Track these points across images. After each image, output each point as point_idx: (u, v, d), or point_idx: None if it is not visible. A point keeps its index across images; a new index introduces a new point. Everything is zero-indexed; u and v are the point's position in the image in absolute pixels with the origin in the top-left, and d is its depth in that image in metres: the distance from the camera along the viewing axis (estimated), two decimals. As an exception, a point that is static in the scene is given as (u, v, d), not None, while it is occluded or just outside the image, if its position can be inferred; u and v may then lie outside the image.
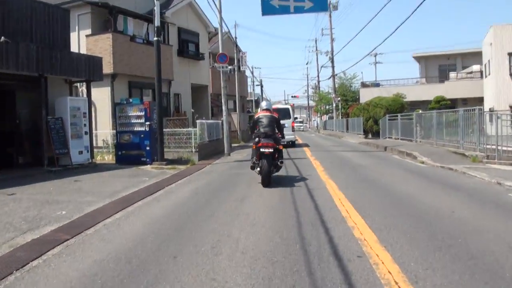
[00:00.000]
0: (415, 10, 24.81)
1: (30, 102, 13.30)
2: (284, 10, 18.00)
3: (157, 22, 14.35)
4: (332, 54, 45.04)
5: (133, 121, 14.71)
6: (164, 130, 16.88)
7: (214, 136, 20.07)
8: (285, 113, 22.71)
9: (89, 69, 14.05)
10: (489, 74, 29.97)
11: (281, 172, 11.21)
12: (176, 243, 5.04)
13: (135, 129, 14.66)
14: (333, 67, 45.58)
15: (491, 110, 22.56)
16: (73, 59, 13.55)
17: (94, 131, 18.55)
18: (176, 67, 23.48)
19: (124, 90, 19.44)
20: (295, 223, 5.72)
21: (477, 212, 6.23)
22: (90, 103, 14.46)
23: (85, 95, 18.45)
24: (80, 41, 19.10)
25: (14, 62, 11.34)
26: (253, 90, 65.63)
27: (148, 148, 14.45)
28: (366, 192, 8.03)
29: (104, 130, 18.63)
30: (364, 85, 42.33)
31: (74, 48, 18.54)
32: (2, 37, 10.78)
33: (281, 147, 9.66)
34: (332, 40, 44.96)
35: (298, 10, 17.96)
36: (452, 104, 30.42)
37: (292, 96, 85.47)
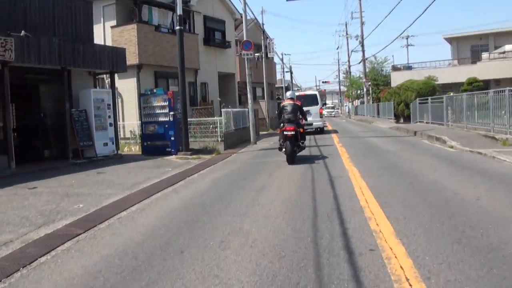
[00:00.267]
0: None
1: (54, 95, 13.46)
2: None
3: (179, 10, 14.25)
4: (362, 38, 44.07)
5: (158, 111, 14.71)
6: (189, 119, 16.89)
7: (241, 125, 19.94)
8: (312, 99, 22.35)
9: (112, 61, 14.10)
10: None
11: (305, 160, 11.06)
12: (186, 237, 4.93)
13: (160, 119, 14.66)
14: (363, 51, 44.67)
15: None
16: (96, 51, 13.60)
17: (121, 122, 18.76)
18: (203, 55, 23.38)
19: (150, 80, 19.49)
20: (311, 214, 5.51)
21: (503, 199, 5.85)
22: (114, 94, 14.55)
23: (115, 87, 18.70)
24: (106, 32, 19.21)
25: (36, 56, 11.45)
26: (283, 77, 65.21)
27: (172, 138, 14.43)
28: (389, 180, 7.73)
29: (131, 121, 18.75)
30: (395, 68, 41.24)
31: (99, 40, 18.69)
32: (23, 31, 10.88)
33: (301, 130, 11.28)
34: (362, 23, 43.98)
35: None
36: (485, 85, 29.19)
37: (322, 82, 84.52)
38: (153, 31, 19.51)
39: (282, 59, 63.39)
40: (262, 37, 31.41)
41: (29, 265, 4.32)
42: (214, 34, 25.24)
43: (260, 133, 25.63)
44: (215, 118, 16.72)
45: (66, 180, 9.99)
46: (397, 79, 36.43)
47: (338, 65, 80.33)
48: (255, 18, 32.12)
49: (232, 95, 27.83)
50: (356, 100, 59.88)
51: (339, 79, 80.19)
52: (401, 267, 3.56)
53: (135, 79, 18.78)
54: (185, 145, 14.27)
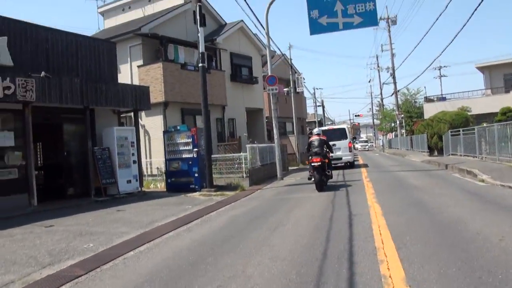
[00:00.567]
0: (471, 16, 23.44)
1: (78, 133, 13.71)
2: (333, 27, 17.51)
3: (201, 48, 14.40)
4: (393, 70, 43.69)
5: (181, 148, 14.74)
6: (214, 156, 16.85)
7: (268, 160, 19.72)
8: (340, 134, 22.03)
9: (135, 99, 14.29)
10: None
11: (328, 196, 10.77)
12: (186, 280, 4.70)
13: (184, 156, 14.67)
14: (395, 83, 44.14)
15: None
16: (119, 90, 13.84)
17: (148, 159, 18.90)
18: (230, 92, 23.55)
19: (177, 117, 19.67)
20: (320, 256, 5.19)
21: (533, 239, 5.37)
22: (137, 132, 14.68)
23: (139, 125, 18.93)
24: (133, 71, 19.67)
25: (58, 96, 11.71)
26: (316, 111, 65.16)
27: (196, 175, 14.36)
28: (411, 218, 7.30)
29: (158, 158, 18.85)
30: (427, 100, 40.40)
31: (126, 78, 19.15)
32: (43, 72, 11.18)
33: (327, 160, 12.91)
34: (393, 55, 43.67)
35: (347, 26, 17.41)
36: (520, 115, 28.11)
37: (355, 115, 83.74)
38: (179, 69, 19.82)
39: (314, 94, 63.62)
40: (290, 72, 31.49)
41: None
42: (241, 70, 25.48)
43: (290, 168, 25.34)
44: (240, 154, 16.58)
45: (83, 218, 9.97)
46: (429, 110, 35.61)
47: (371, 98, 79.52)
48: (282, 54, 32.23)
49: (260, 130, 27.79)
50: (391, 133, 58.93)
51: (372, 112, 79.33)
52: (405, 319, 3.20)
53: (161, 116, 19.00)
54: (209, 182, 14.14)
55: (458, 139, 21.53)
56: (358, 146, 69.39)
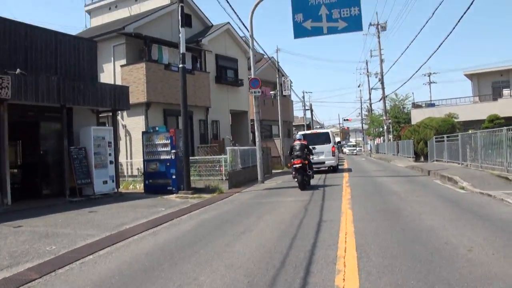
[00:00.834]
0: (456, 24, 23.50)
1: (54, 132, 13.44)
2: (317, 31, 17.43)
3: (182, 49, 14.20)
4: (382, 75, 43.74)
5: (160, 149, 14.53)
6: (194, 158, 16.66)
7: (250, 163, 19.56)
8: (324, 138, 21.96)
9: (114, 99, 14.07)
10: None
11: (302, 202, 10.65)
12: (133, 287, 4.52)
13: (162, 157, 14.46)
14: (383, 88, 44.23)
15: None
16: (97, 89, 13.61)
17: (129, 160, 18.67)
18: (214, 93, 23.37)
19: (159, 118, 19.46)
20: (278, 264, 5.03)
21: (498, 251, 5.25)
22: (115, 132, 14.45)
23: (121, 125, 18.70)
24: (116, 71, 19.41)
25: (34, 93, 11.46)
26: (304, 114, 65.19)
27: (174, 176, 14.16)
28: (381, 225, 7.17)
29: (139, 158, 18.52)
30: (415, 106, 40.55)
31: (109, 78, 18.90)
32: (18, 70, 10.92)
33: (307, 162, 14.03)
34: (382, 61, 43.73)
35: (332, 31, 17.34)
36: (507, 122, 28.22)
37: (344, 120, 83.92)
38: (163, 69, 19.61)
39: (303, 97, 63.64)
40: (277, 75, 31.38)
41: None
42: (226, 72, 25.31)
43: (274, 171, 25.21)
44: (220, 156, 16.40)
45: (54, 219, 9.74)
46: (417, 116, 35.74)
47: (361, 102, 79.68)
48: (269, 57, 32.15)
49: (245, 132, 27.63)
50: (379, 138, 59.07)
51: (361, 117, 79.40)
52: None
53: (143, 117, 18.77)
54: (186, 184, 13.94)
55: (443, 145, 21.55)
56: (346, 150, 69.53)
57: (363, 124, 77.00)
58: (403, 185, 14.07)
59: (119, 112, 18.86)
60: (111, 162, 13.88)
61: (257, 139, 17.82)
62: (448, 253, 5.22)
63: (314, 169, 20.40)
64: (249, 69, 27.90)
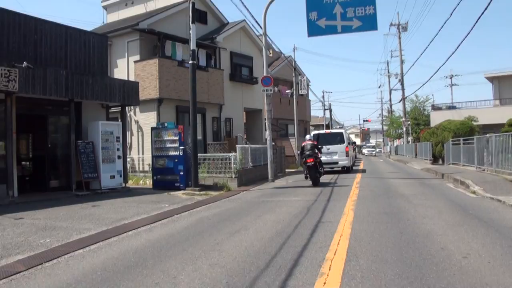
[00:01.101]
0: (474, 25, 22.89)
1: (63, 126, 13.51)
2: (331, 30, 17.23)
3: (192, 45, 14.14)
4: (402, 76, 43.09)
5: (168, 145, 14.50)
6: (203, 155, 16.61)
7: (261, 161, 19.38)
8: (338, 138, 21.69)
9: (124, 94, 14.08)
10: None
11: (307, 202, 10.48)
12: (112, 284, 4.45)
13: (170, 153, 14.43)
14: (403, 90, 43.58)
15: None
16: (106, 84, 13.63)
17: (141, 155, 18.72)
18: (228, 91, 23.30)
19: (171, 114, 19.46)
20: (262, 265, 4.90)
21: (496, 258, 5.00)
22: (124, 127, 14.48)
23: (133, 120, 18.76)
24: (130, 67, 19.48)
25: (41, 87, 11.52)
26: (324, 114, 64.76)
27: (182, 173, 14.12)
28: (379, 228, 6.95)
29: (150, 154, 18.59)
30: (435, 108, 39.81)
31: (123, 73, 18.97)
32: (25, 63, 10.98)
33: (318, 160, 15.36)
34: (402, 62, 43.09)
35: (346, 29, 17.11)
36: (528, 127, 27.46)
37: (364, 120, 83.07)
38: (176, 66, 19.60)
39: (323, 97, 63.24)
40: (293, 74, 31.14)
41: None
42: (241, 70, 25.20)
43: (287, 170, 24.99)
44: (230, 154, 16.30)
45: (56, 212, 9.79)
46: (436, 118, 35.09)
47: (381, 103, 78.46)
48: (285, 57, 31.88)
49: (259, 131, 27.48)
50: (399, 140, 58.28)
51: (381, 118, 78.52)
52: None
53: (155, 113, 18.79)
54: (194, 181, 13.88)
55: (459, 148, 21.06)
56: (365, 151, 68.86)
57: (383, 126, 76.20)
58: (413, 187, 13.76)
59: (132, 107, 18.97)
60: (119, 157, 13.90)
61: (268, 138, 17.65)
62: (441, 259, 5.00)
63: (327, 169, 20.61)
64: (269, 66, 27.86)
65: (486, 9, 14.63)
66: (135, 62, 19.29)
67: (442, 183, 15.16)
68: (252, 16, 24.13)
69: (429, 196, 11.37)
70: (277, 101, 32.49)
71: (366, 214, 8.46)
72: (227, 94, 22.87)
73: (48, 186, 13.17)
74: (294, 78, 30.84)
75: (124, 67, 19.49)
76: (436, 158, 29.08)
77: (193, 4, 14.11)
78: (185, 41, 20.40)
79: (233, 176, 15.93)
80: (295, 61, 32.39)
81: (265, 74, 17.99)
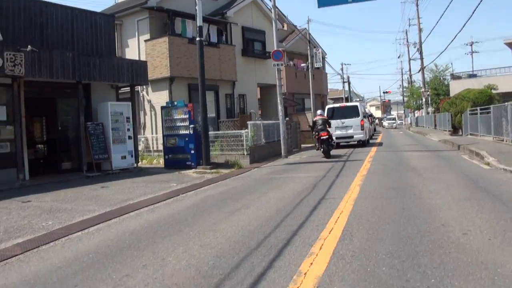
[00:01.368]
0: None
1: (73, 108, 13.56)
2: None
3: (199, 22, 14.00)
4: (421, 45, 42.01)
5: (178, 124, 14.46)
6: (215, 132, 16.55)
7: (275, 137, 19.17)
8: (352, 111, 21.33)
9: (132, 74, 14.03)
10: None
11: (315, 178, 10.36)
12: (100, 266, 4.45)
13: (181, 132, 14.40)
14: (421, 59, 42.55)
15: None
16: (114, 64, 13.58)
17: (154, 135, 18.78)
18: (241, 67, 23.04)
19: (183, 93, 19.35)
20: (254, 245, 4.82)
21: (497, 235, 4.78)
22: (134, 107, 14.46)
23: (146, 100, 18.76)
24: (140, 46, 19.37)
25: (48, 70, 11.53)
26: (344, 87, 63.89)
27: (192, 151, 14.10)
28: (382, 204, 6.79)
29: (163, 133, 18.68)
30: (454, 77, 38.78)
31: (134, 53, 18.90)
32: (29, 46, 10.97)
33: (330, 134, 16.34)
34: (420, 30, 41.95)
35: (357, -2, 16.64)
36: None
37: (384, 92, 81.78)
38: (186, 43, 19.39)
39: (341, 69, 62.30)
40: (308, 47, 30.61)
41: None
42: (253, 45, 24.84)
43: (303, 145, 24.77)
44: (241, 131, 16.18)
45: (64, 194, 9.90)
46: (456, 88, 34.19)
47: (402, 74, 76.69)
48: (298, 30, 31.28)
49: (274, 106, 27.13)
50: (419, 111, 57.23)
51: (402, 89, 77.11)
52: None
53: (167, 91, 18.73)
54: (205, 159, 13.86)
55: (477, 118, 20.52)
56: (385, 123, 67.93)
57: (404, 97, 74.87)
58: (427, 160, 13.48)
59: (144, 87, 18.95)
60: (129, 137, 13.94)
61: (280, 113, 17.44)
62: (440, 237, 4.84)
63: (343, 143, 20.40)
64: (282, 41, 27.42)
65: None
66: (146, 41, 19.15)
67: (458, 154, 14.81)
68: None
69: (441, 169, 11.11)
70: (292, 76, 32.09)
71: (372, 189, 8.29)
72: (239, 70, 22.62)
73: (60, 168, 13.32)
74: (309, 51, 30.32)
75: (135, 46, 19.40)
76: (456, 129, 28.45)
77: (198, -22, 13.84)
78: (194, 18, 20.18)
79: (245, 153, 15.84)
80: (309, 34, 31.80)
81: (275, 48, 17.69)
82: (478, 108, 20.32)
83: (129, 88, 15.44)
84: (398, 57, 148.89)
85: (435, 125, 34.94)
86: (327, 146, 15.84)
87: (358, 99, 74.19)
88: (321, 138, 15.92)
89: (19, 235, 6.16)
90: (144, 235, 5.71)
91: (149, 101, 19.40)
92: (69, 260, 4.79)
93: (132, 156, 14.00)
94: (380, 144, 23.04)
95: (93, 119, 13.55)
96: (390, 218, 5.85)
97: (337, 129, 20.58)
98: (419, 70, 43.66)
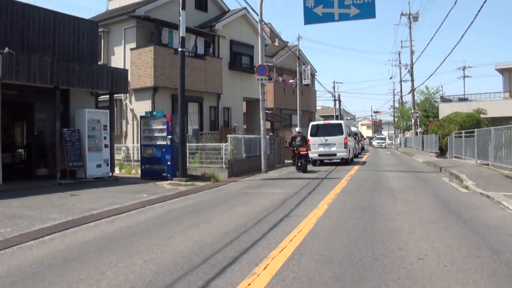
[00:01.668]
0: (477, 14, 22.13)
1: (50, 114, 13.39)
2: (328, 18, 16.90)
3: (182, 32, 13.95)
4: (412, 67, 42.40)
5: (156, 134, 14.33)
6: (194, 144, 16.44)
7: (257, 152, 19.06)
8: (336, 129, 21.29)
9: (112, 81, 13.92)
10: None
11: (287, 194, 10.26)
12: (40, 279, 4.29)
13: (158, 143, 14.27)
14: (412, 81, 42.88)
15: None
16: (94, 71, 13.47)
17: (136, 144, 18.62)
18: (227, 80, 23.01)
19: (167, 103, 19.28)
20: (198, 262, 4.69)
21: (456, 261, 4.62)
22: (112, 115, 14.32)
23: (129, 109, 18.64)
24: (126, 54, 19.31)
25: (25, 73, 11.39)
26: (334, 105, 64.11)
27: (169, 163, 13.95)
28: (345, 225, 6.68)
29: (144, 143, 18.52)
30: (444, 99, 39.05)
31: (120, 61, 18.83)
32: (6, 48, 10.85)
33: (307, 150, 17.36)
34: (412, 52, 42.34)
35: (343, 17, 16.76)
36: (538, 120, 26.72)
37: (374, 112, 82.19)
38: (172, 54, 19.34)
39: (333, 88, 62.65)
40: (297, 64, 30.71)
41: None
42: (241, 58, 24.85)
43: (287, 161, 24.66)
44: (221, 144, 16.09)
45: (32, 200, 9.74)
46: (444, 111, 34.43)
47: (393, 94, 77.04)
48: (288, 47, 31.42)
49: (259, 121, 27.13)
50: (409, 132, 57.48)
51: (393, 109, 77.47)
52: None
53: (150, 101, 18.63)
54: (181, 171, 13.72)
55: (461, 141, 20.60)
56: (374, 143, 68.20)
57: (394, 117, 75.21)
58: (405, 181, 13.44)
59: (128, 96, 18.84)
60: (106, 146, 13.78)
61: (262, 128, 17.39)
62: (393, 261, 4.71)
63: (326, 160, 20.53)
64: (273, 56, 27.48)
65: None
66: (132, 49, 19.11)
67: (438, 177, 14.80)
68: (248, 4, 23.72)
69: (417, 191, 11.06)
70: (281, 91, 32.16)
71: (340, 208, 8.20)
72: (226, 83, 22.60)
73: (35, 174, 13.12)
74: (297, 68, 30.41)
75: (121, 54, 19.34)
76: (443, 151, 28.55)
77: (184, -10, 13.85)
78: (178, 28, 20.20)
79: (224, 166, 15.73)
80: (299, 50, 31.96)
81: (260, 63, 17.73)
82: (463, 131, 20.43)
83: (103, 95, 15.36)
84: (390, 78, 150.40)
85: (423, 147, 35.07)
86: (305, 161, 16.73)
87: (349, 118, 74.59)
88: (300, 153, 16.83)
89: (-28, 242, 6.00)
90: (94, 247, 5.55)
91: (132, 110, 19.28)
92: (12, 270, 4.62)
93: (107, 165, 13.83)
94: (363, 163, 23.03)
95: (71, 125, 13.40)
96: (348, 239, 5.74)
97: (320, 146, 20.57)
98: (410, 91, 43.96)
